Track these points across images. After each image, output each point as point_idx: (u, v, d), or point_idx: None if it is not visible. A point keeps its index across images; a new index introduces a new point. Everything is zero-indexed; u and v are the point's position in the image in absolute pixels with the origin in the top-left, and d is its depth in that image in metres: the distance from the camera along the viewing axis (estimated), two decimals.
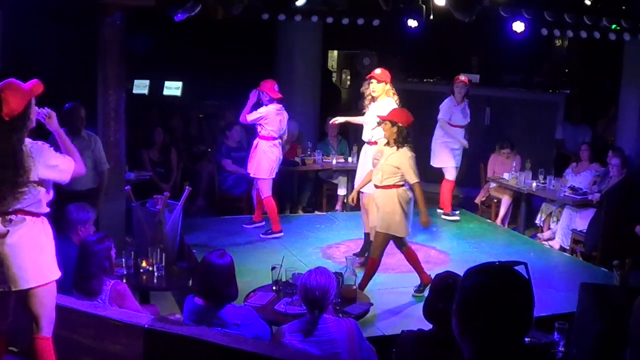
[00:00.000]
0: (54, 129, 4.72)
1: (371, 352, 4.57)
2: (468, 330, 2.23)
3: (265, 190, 8.73)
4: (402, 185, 6.77)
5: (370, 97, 7.96)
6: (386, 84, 7.88)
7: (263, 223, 9.03)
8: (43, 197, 4.51)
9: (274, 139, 8.70)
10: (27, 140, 4.43)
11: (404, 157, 6.75)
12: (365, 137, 8.10)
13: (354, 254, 8.07)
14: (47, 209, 4.57)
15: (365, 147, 8.10)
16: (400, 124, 6.71)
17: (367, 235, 8.10)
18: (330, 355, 4.29)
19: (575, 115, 11.76)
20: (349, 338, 4.37)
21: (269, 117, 8.60)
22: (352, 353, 4.36)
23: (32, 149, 4.41)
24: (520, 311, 2.21)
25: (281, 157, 8.88)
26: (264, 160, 8.64)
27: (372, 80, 7.91)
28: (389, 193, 6.78)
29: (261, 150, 8.66)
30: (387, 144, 6.84)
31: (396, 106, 7.65)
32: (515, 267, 2.26)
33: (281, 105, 8.75)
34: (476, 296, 2.21)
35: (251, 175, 8.86)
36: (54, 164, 4.49)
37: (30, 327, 4.53)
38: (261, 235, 8.75)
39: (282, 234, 8.74)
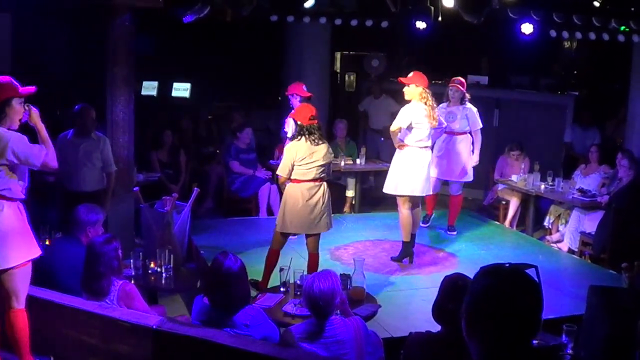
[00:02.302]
0: (32, 123, 4.99)
1: (377, 344, 4.57)
2: (476, 331, 2.23)
3: None
4: (298, 181, 6.77)
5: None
6: (416, 86, 7.87)
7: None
8: (16, 183, 4.83)
9: None
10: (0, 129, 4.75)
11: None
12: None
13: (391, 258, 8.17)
14: (22, 196, 4.89)
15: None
16: (298, 122, 6.80)
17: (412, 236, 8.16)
18: (338, 356, 4.30)
19: (584, 117, 11.72)
20: (356, 338, 4.39)
21: None
22: (359, 352, 4.37)
23: (2, 135, 4.72)
24: (529, 314, 2.21)
25: None
26: None
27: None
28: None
29: None
30: None
31: (423, 109, 7.78)
32: (526, 270, 2.26)
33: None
34: (485, 298, 2.21)
35: None
36: (22, 150, 4.76)
37: (7, 303, 4.87)
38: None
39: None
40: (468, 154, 9.23)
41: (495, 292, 2.21)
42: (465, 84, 9.20)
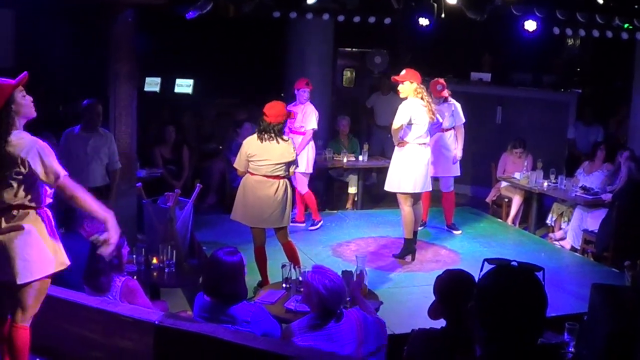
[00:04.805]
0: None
1: (378, 333, 4.59)
2: (485, 329, 2.25)
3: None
4: (252, 174, 6.90)
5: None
6: (410, 83, 7.86)
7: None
8: (41, 190, 4.40)
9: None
10: (20, 133, 4.30)
11: None
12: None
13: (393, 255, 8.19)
14: (50, 200, 4.50)
15: None
16: (266, 118, 6.86)
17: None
18: (341, 346, 4.32)
19: (587, 115, 11.71)
20: (357, 327, 4.44)
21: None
22: (359, 341, 4.42)
23: (21, 143, 4.26)
24: (537, 313, 2.23)
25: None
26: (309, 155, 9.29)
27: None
28: None
29: (310, 146, 9.27)
30: None
31: (421, 105, 7.80)
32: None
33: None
34: (495, 296, 2.25)
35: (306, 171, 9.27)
36: (44, 164, 4.25)
37: (12, 315, 4.44)
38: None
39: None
40: (454, 149, 9.21)
41: (504, 290, 2.25)
42: (445, 84, 9.03)
